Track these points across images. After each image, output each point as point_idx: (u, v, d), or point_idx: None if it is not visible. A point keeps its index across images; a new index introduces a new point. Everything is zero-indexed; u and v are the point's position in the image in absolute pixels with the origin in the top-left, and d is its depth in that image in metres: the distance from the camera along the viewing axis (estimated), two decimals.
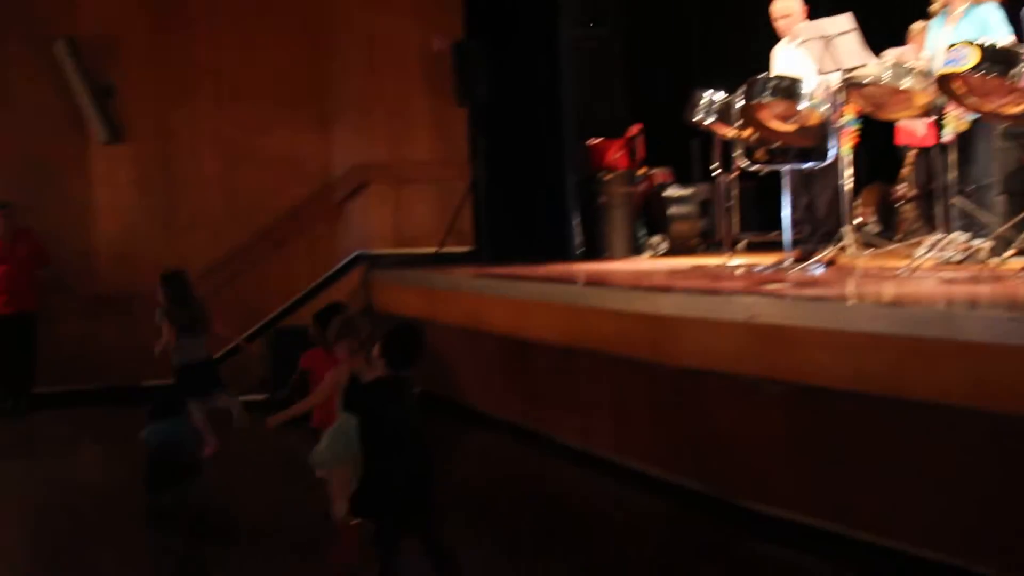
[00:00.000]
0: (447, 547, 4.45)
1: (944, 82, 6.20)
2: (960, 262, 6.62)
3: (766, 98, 7.24)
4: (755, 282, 6.91)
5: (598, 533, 6.01)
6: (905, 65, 6.75)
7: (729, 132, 7.93)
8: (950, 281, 6.15)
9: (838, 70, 6.90)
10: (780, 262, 7.65)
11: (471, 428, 8.88)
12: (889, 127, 8.33)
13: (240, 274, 10.77)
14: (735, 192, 9.21)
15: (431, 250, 10.23)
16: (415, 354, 4.63)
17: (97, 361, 10.54)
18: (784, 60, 7.89)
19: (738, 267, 7.86)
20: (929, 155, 7.95)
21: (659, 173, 10.81)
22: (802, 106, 7.19)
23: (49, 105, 10.49)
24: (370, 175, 10.45)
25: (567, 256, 10.20)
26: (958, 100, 6.26)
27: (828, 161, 7.38)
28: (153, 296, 10.35)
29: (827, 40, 6.84)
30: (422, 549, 4.43)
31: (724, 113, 7.84)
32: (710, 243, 10.70)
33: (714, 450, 6.18)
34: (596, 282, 7.66)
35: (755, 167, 7.93)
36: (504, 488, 7.20)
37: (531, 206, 10.58)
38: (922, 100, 6.74)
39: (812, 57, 7.07)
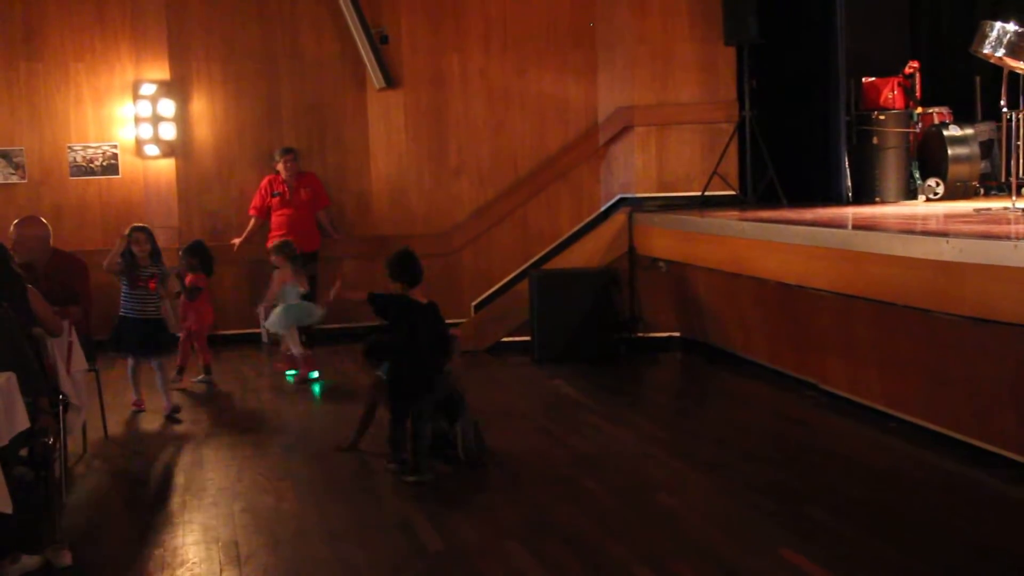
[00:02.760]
0: (424, 431, 6.12)
1: None
2: None
3: None
4: None
5: (870, 483, 5.86)
6: None
7: (1021, 66, 7.42)
8: None
9: None
10: None
11: (734, 374, 8.81)
12: None
13: (505, 217, 11.03)
14: (1022, 131, 8.61)
15: (695, 194, 10.12)
16: (418, 272, 6.32)
17: None
18: None
19: None
20: None
21: (937, 112, 10.23)
22: None
23: (331, 55, 11.04)
24: (634, 117, 10.41)
25: (837, 199, 9.86)
26: None
27: None
28: (424, 239, 10.87)
29: None
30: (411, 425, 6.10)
31: (1016, 46, 7.33)
32: (991, 186, 10.09)
33: (998, 407, 5.88)
34: (867, 226, 7.38)
35: None
36: (768, 434, 7.12)
37: (800, 148, 10.28)
38: None
39: None
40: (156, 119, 10.78)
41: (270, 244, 10.46)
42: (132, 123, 10.84)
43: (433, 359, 6.31)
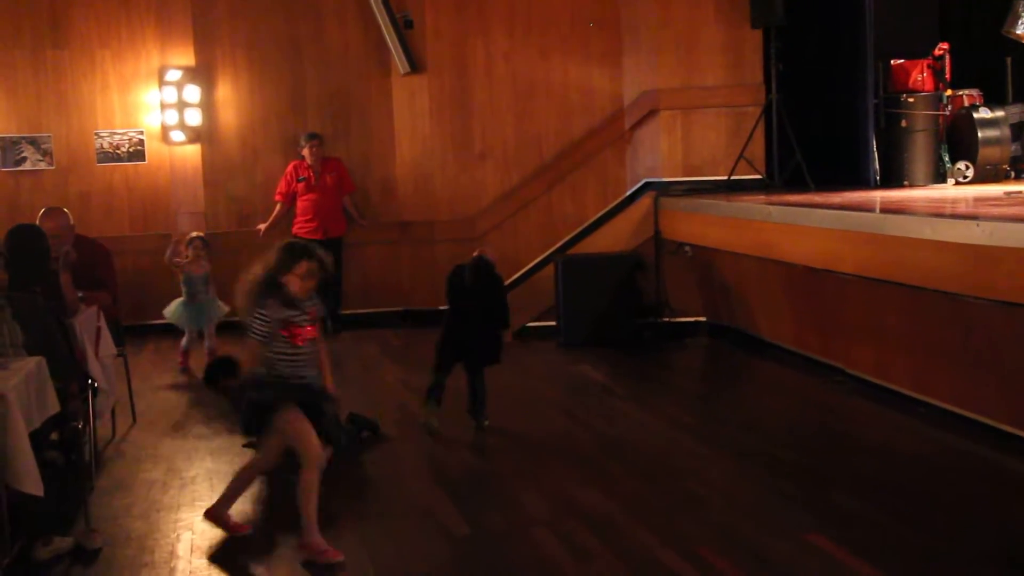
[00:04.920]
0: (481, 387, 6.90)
1: None
2: None
3: None
4: None
5: (896, 468, 5.83)
6: None
7: None
8: None
9: None
10: None
11: (760, 358, 8.77)
12: None
13: (530, 202, 11.01)
14: None
15: (721, 177, 10.06)
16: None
17: (399, 285, 11.11)
18: None
19: None
20: None
21: (967, 94, 10.11)
22: None
23: (355, 40, 11.04)
24: (660, 101, 10.34)
25: (865, 183, 9.78)
26: None
27: None
28: (449, 225, 10.87)
29: None
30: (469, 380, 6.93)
31: None
32: (1022, 169, 9.98)
33: None
34: (896, 210, 7.31)
35: None
36: (795, 419, 7.10)
37: (827, 131, 10.19)
38: None
39: None
40: (182, 105, 10.82)
41: (295, 229, 10.51)
42: (158, 109, 10.88)
43: None
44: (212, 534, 5.15)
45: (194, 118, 10.86)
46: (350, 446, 6.30)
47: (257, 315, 4.85)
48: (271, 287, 4.90)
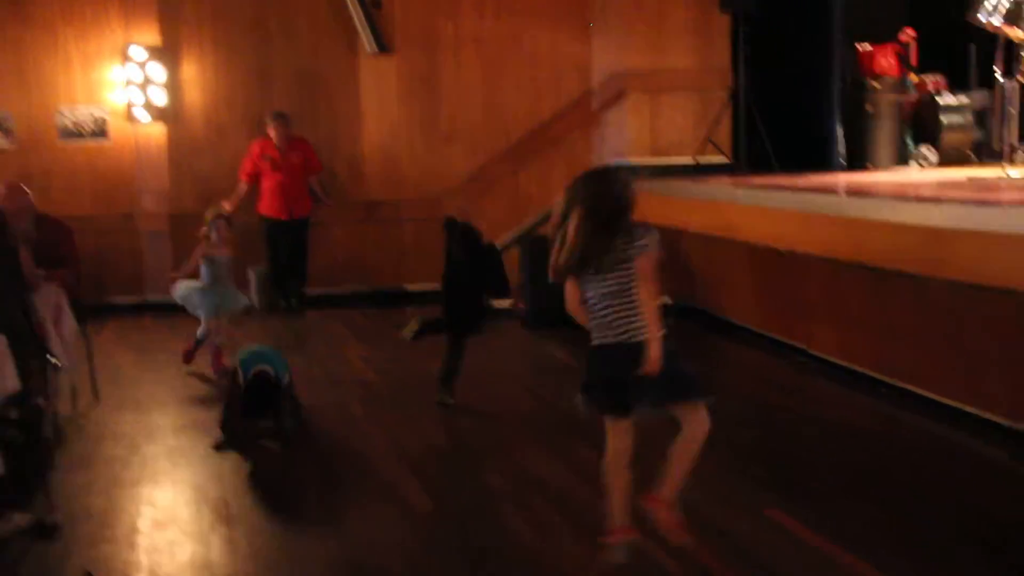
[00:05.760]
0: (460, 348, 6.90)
1: None
2: None
3: None
4: None
5: (858, 447, 5.89)
6: None
7: (1017, 34, 7.39)
8: None
9: None
10: None
11: (726, 340, 8.82)
12: None
13: (497, 183, 11.00)
14: (1016, 100, 8.59)
15: (688, 160, 10.10)
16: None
17: (365, 265, 11.08)
18: None
19: (1019, 179, 7.39)
20: None
21: (932, 80, 10.20)
22: None
23: (323, 20, 10.97)
24: (628, 84, 10.37)
25: (830, 166, 9.85)
26: None
27: None
28: (415, 204, 10.84)
29: None
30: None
31: (1013, 13, 7.31)
32: (984, 154, 10.08)
33: (986, 372, 5.90)
34: (860, 193, 7.37)
35: None
36: (758, 399, 7.14)
37: (794, 115, 10.25)
38: None
39: None
40: (146, 84, 10.72)
41: (260, 209, 10.45)
42: (122, 88, 10.77)
43: None
44: (174, 510, 5.12)
45: (159, 97, 10.76)
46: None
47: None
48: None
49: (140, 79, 10.70)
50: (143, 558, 4.54)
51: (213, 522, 4.94)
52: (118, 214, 10.88)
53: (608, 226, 4.10)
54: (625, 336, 4.16)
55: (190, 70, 10.92)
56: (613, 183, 4.20)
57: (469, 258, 6.98)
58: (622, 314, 4.14)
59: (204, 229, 7.98)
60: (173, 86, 10.84)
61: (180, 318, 10.21)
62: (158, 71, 10.72)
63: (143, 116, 10.79)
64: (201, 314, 8.02)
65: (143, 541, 4.74)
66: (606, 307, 4.18)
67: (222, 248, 8.01)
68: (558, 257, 4.19)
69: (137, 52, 10.69)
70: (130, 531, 4.86)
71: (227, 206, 10.58)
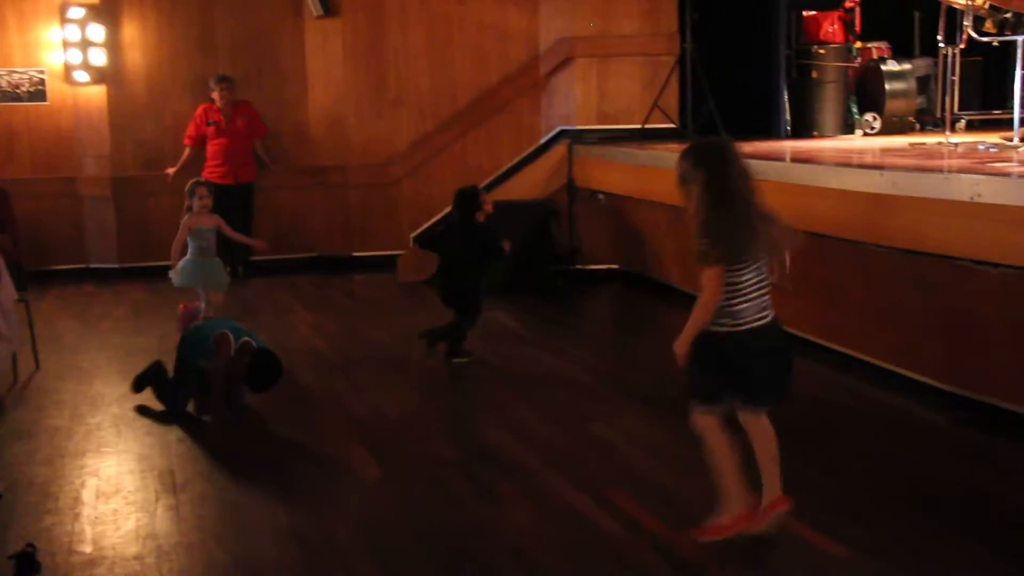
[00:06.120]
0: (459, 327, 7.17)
1: None
2: None
3: None
4: (979, 160, 6.57)
5: (802, 413, 5.96)
6: None
7: (959, 1, 7.46)
8: None
9: None
10: (1007, 140, 7.23)
11: (671, 305, 8.86)
12: None
13: (445, 149, 10.94)
14: (958, 67, 8.69)
15: (635, 126, 10.10)
16: (470, 208, 7.20)
17: (311, 231, 10.99)
18: None
19: (959, 145, 7.49)
20: None
21: (876, 47, 10.28)
22: None
23: None
24: (575, 49, 10.32)
25: (775, 133, 9.91)
26: None
27: None
28: (362, 170, 10.75)
29: None
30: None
31: None
32: (927, 121, 10.20)
33: (926, 337, 5.99)
34: (805, 159, 7.42)
35: (987, 39, 7.45)
36: None
37: (741, 81, 10.28)
38: None
39: None
40: (85, 44, 10.50)
41: (205, 174, 10.31)
42: (60, 48, 10.55)
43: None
44: (119, 480, 5.07)
45: (98, 58, 10.55)
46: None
47: None
48: None
49: (78, 39, 10.48)
50: (87, 529, 4.49)
51: (158, 492, 4.91)
52: (58, 178, 10.69)
53: (759, 207, 4.05)
54: (772, 315, 4.13)
55: (131, 31, 10.71)
56: (740, 159, 4.09)
57: (477, 262, 7.22)
58: (767, 293, 4.10)
59: (187, 202, 7.53)
60: (113, 47, 10.63)
61: (123, 284, 10.14)
62: (97, 31, 10.50)
63: (82, 77, 10.58)
64: (200, 290, 7.57)
65: (87, 512, 4.69)
66: (760, 289, 4.08)
67: (206, 218, 7.56)
68: (719, 244, 4.00)
69: (75, 11, 10.47)
70: (73, 502, 4.81)
71: (171, 171, 10.55)
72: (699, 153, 4.11)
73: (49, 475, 5.16)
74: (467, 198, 7.28)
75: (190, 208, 7.54)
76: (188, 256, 7.55)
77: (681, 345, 4.07)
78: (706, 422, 4.18)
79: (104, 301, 9.51)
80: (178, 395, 6.18)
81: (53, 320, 8.64)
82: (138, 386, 6.37)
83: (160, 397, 6.26)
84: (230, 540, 4.36)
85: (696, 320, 4.05)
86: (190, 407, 6.16)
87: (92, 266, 10.79)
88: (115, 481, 5.06)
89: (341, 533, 4.42)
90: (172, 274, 7.56)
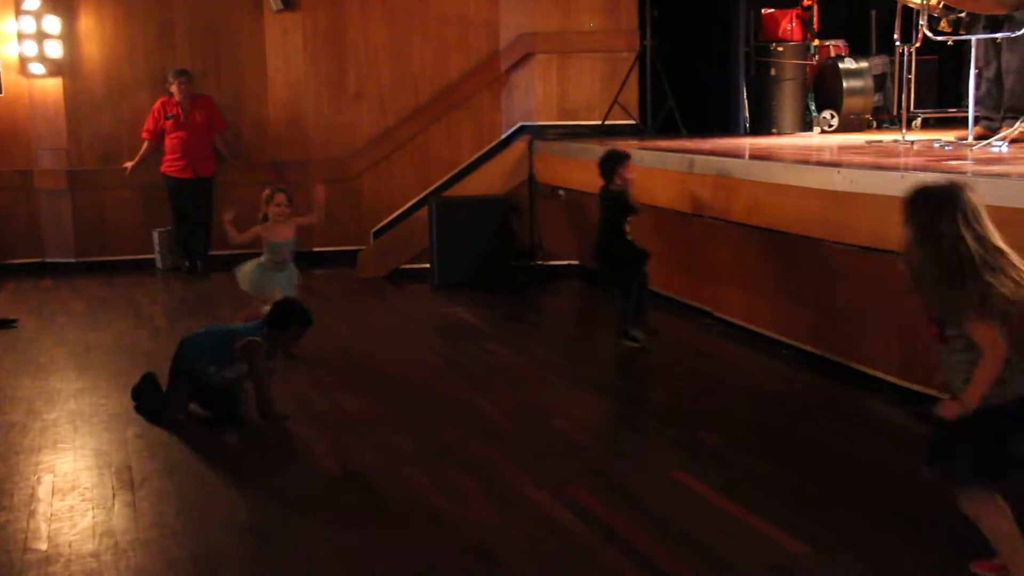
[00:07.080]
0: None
1: None
2: None
3: None
4: (935, 158, 6.65)
5: (760, 408, 6.02)
6: None
7: (914, 0, 7.55)
8: None
9: None
10: (962, 138, 7.33)
11: None
12: None
13: (406, 143, 10.91)
14: (914, 66, 8.79)
15: (595, 122, 10.13)
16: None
17: None
18: None
19: (915, 143, 7.58)
20: None
21: (834, 45, 10.37)
22: None
23: None
24: (536, 45, 10.32)
25: (734, 130, 9.97)
26: None
27: (1022, 32, 6.96)
28: (323, 164, 10.70)
29: None
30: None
31: None
32: (883, 119, 10.31)
33: (882, 333, 6.07)
34: (763, 156, 7.48)
35: (941, 38, 7.54)
36: (664, 361, 7.24)
37: (700, 78, 10.34)
38: None
39: None
40: (41, 36, 10.38)
41: (164, 168, 10.23)
42: (15, 40, 10.41)
43: None
44: (76, 477, 5.03)
45: (55, 50, 10.43)
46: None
47: None
48: None
49: (34, 31, 10.35)
50: (42, 526, 4.45)
51: (116, 488, 4.87)
52: (14, 171, 10.57)
53: None
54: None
55: (88, 23, 10.59)
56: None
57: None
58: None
59: (263, 208, 7.07)
60: (70, 39, 10.51)
61: (81, 279, 10.05)
62: (53, 23, 10.38)
63: (38, 70, 10.46)
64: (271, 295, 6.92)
65: (42, 509, 4.64)
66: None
67: (283, 230, 7.13)
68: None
69: (30, 2, 10.33)
70: (29, 498, 4.76)
71: (129, 165, 10.45)
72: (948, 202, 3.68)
73: (4, 472, 5.11)
74: (604, 162, 7.42)
75: (265, 216, 7.04)
76: (262, 261, 7.16)
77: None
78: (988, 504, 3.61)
79: (61, 296, 9.42)
80: (173, 402, 5.93)
81: (8, 315, 8.54)
82: (138, 399, 6.09)
83: (152, 411, 5.97)
84: (188, 536, 4.34)
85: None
86: (195, 409, 5.99)
87: (49, 260, 10.67)
88: (72, 477, 5.02)
89: (300, 528, 4.41)
90: (240, 275, 7.15)
